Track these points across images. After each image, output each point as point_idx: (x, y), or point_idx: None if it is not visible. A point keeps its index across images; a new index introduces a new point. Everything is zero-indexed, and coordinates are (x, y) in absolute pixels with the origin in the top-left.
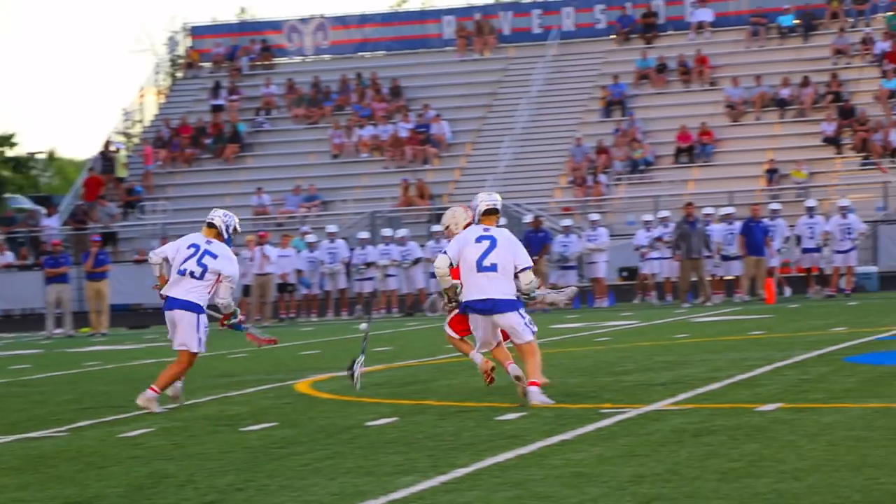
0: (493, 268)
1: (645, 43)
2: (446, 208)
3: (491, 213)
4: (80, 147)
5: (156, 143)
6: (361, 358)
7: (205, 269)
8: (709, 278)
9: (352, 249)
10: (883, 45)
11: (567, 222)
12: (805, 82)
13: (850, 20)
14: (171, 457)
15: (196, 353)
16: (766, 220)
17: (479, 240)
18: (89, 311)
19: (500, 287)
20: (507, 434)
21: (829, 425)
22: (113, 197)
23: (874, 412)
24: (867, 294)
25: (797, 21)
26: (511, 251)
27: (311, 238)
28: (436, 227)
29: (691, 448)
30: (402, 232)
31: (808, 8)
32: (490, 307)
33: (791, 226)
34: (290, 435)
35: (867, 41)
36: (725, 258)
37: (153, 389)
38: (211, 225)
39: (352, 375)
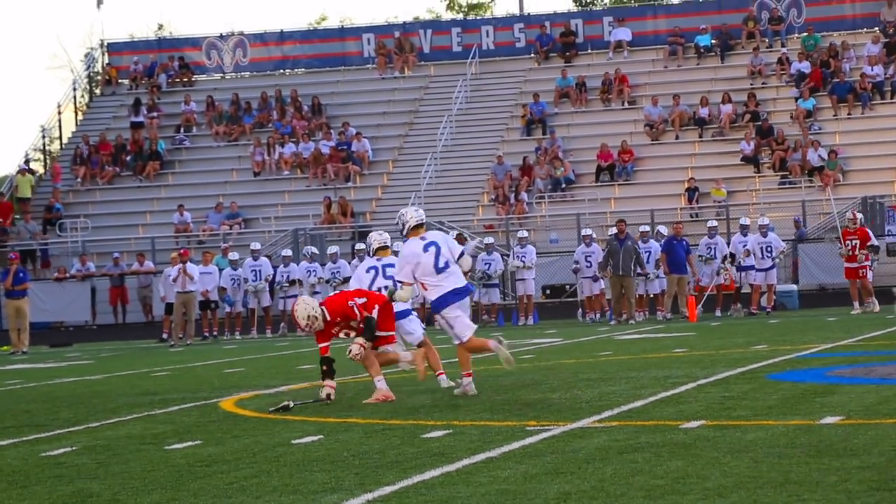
0: (448, 265)
1: (564, 62)
2: (369, 226)
3: (420, 226)
4: None
5: (74, 160)
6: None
7: (393, 279)
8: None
9: (275, 267)
10: (799, 66)
11: (489, 240)
12: (725, 100)
13: (766, 40)
14: (95, 476)
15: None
16: (690, 239)
17: (426, 248)
18: (9, 329)
19: (458, 280)
20: (432, 451)
21: (752, 442)
22: (34, 215)
23: (796, 429)
24: (788, 312)
25: (714, 41)
26: (449, 248)
27: (233, 256)
28: (360, 245)
29: (616, 465)
30: (333, 249)
31: (725, 28)
32: (465, 292)
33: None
34: (215, 453)
35: (783, 61)
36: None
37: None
38: (385, 247)
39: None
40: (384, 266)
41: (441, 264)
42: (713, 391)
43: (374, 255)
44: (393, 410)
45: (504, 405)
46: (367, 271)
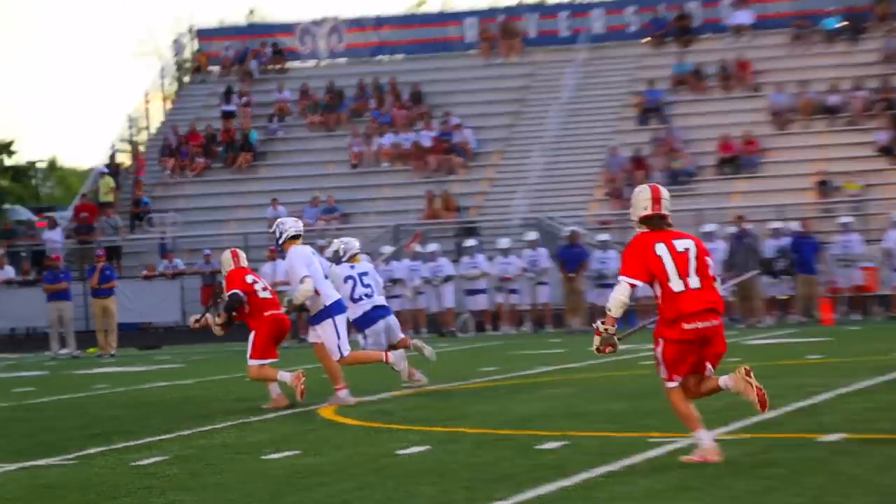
0: (328, 276)
1: (680, 46)
2: (475, 221)
3: (298, 237)
4: (83, 155)
5: (163, 151)
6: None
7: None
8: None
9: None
10: None
11: (604, 237)
12: (856, 86)
13: None
14: (187, 487)
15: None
16: (833, 237)
17: (313, 253)
18: (96, 331)
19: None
20: (548, 465)
21: None
22: (122, 209)
23: None
24: None
25: (843, 23)
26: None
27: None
28: (471, 242)
29: (749, 481)
30: (432, 247)
31: (854, 10)
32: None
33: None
34: (315, 464)
35: None
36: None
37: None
38: (357, 254)
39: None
40: (360, 274)
41: (326, 272)
42: (854, 401)
43: (348, 261)
44: (505, 420)
45: (624, 415)
46: (346, 281)
